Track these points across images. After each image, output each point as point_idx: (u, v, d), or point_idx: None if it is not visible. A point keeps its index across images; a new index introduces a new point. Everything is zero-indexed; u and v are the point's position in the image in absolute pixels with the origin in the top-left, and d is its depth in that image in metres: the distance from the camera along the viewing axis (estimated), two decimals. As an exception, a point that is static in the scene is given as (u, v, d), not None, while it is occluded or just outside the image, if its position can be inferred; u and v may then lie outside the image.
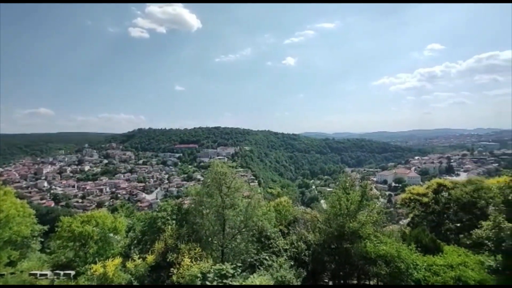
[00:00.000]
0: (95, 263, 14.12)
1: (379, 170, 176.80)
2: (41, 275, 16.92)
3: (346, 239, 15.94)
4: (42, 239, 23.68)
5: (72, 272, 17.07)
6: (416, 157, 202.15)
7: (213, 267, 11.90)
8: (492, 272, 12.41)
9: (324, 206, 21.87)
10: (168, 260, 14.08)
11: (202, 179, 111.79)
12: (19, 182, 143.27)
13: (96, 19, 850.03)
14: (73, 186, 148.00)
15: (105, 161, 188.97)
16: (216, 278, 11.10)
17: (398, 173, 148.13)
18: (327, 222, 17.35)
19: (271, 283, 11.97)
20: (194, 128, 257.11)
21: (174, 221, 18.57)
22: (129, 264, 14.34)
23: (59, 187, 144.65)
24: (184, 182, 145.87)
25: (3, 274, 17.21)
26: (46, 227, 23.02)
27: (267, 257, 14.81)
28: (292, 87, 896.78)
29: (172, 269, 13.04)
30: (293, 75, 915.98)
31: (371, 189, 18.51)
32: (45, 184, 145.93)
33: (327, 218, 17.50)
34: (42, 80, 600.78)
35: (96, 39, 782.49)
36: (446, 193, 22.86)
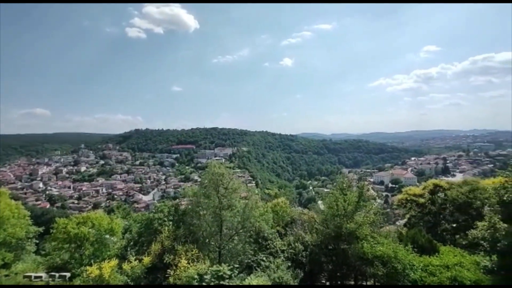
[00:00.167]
0: (91, 265, 13.99)
1: (376, 171, 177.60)
2: (35, 277, 16.72)
3: (343, 240, 15.98)
4: (37, 241, 23.45)
5: (68, 274, 16.90)
6: (413, 158, 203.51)
7: (210, 268, 11.84)
8: (487, 272, 12.49)
9: (322, 207, 21.94)
10: (164, 261, 14.00)
11: (199, 180, 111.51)
12: (14, 183, 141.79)
13: (93, 19, 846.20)
14: (69, 187, 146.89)
15: (102, 162, 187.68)
16: (213, 279, 11.05)
17: (394, 174, 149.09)
18: (324, 223, 17.37)
19: (268, 284, 11.96)
20: (192, 128, 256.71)
21: (171, 222, 18.50)
22: (126, 266, 14.23)
23: (55, 188, 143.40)
24: (181, 183, 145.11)
25: (-3, 276, 17.00)
26: (41, 229, 22.81)
27: (264, 258, 14.81)
28: (290, 88, 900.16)
29: (168, 270, 12.97)
30: (291, 76, 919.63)
31: (368, 190, 18.60)
32: (41, 185, 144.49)
33: (324, 219, 17.52)
34: (38, 80, 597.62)
35: (93, 39, 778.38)
36: (442, 194, 23.03)
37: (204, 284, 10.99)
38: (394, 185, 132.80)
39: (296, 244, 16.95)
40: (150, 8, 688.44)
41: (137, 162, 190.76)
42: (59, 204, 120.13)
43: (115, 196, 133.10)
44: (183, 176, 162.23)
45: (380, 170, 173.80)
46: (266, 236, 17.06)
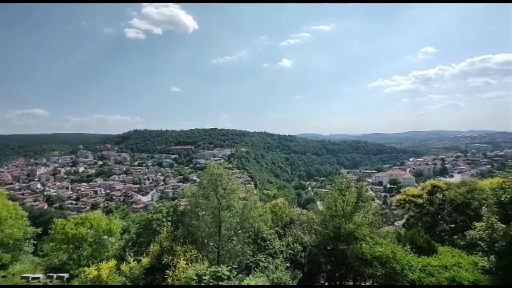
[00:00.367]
0: (89, 266, 13.92)
1: (374, 171, 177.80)
2: (33, 278, 16.64)
3: (342, 240, 15.99)
4: (35, 242, 23.35)
5: (66, 275, 16.83)
6: (411, 159, 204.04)
7: (208, 269, 11.82)
8: (485, 273, 12.54)
9: (320, 207, 21.99)
10: (163, 262, 13.98)
11: (198, 180, 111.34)
12: (11, 183, 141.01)
13: (92, 19, 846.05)
14: (67, 188, 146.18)
15: (100, 162, 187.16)
16: (211, 280, 11.04)
17: (393, 175, 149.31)
18: (323, 224, 17.39)
19: (267, 284, 11.95)
20: (190, 129, 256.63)
21: (169, 223, 18.46)
22: (124, 267, 14.18)
23: (53, 188, 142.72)
24: (180, 184, 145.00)
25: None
26: (39, 230, 22.72)
27: (263, 259, 14.82)
28: (289, 89, 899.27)
29: (167, 271, 12.94)
30: (289, 77, 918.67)
31: (366, 191, 18.62)
32: (39, 185, 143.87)
33: (323, 220, 17.54)
34: (36, 80, 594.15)
35: (91, 40, 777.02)
36: (440, 194, 23.12)
37: (202, 284, 10.97)
38: (392, 186, 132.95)
39: (295, 244, 16.97)
40: (149, 8, 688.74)
41: (136, 163, 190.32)
42: (57, 205, 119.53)
43: (114, 197, 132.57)
44: (181, 176, 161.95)
45: (379, 171, 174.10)
46: (265, 236, 17.07)
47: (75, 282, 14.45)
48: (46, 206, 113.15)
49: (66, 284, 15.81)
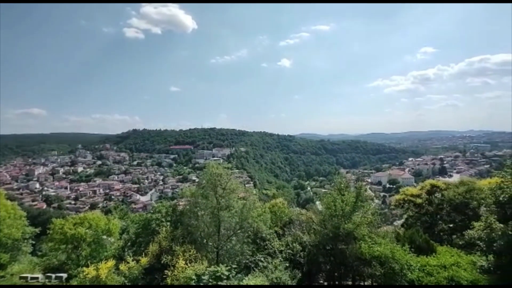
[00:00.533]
0: (88, 265, 13.92)
1: (373, 171, 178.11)
2: (32, 278, 16.60)
3: (341, 240, 16.01)
4: (34, 242, 23.31)
5: (64, 275, 16.79)
6: (410, 159, 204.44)
7: (208, 269, 11.81)
8: (484, 272, 12.58)
9: (319, 207, 22.00)
10: (162, 262, 13.96)
11: (197, 180, 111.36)
12: (10, 183, 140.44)
13: (91, 19, 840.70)
14: (66, 188, 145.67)
15: (99, 162, 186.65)
16: (211, 280, 11.03)
17: (392, 174, 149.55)
18: (322, 223, 17.41)
19: (266, 284, 11.95)
20: (190, 129, 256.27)
21: (168, 223, 18.45)
22: (123, 267, 14.16)
23: (52, 188, 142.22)
24: (179, 184, 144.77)
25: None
26: (37, 229, 22.68)
27: (262, 259, 14.82)
28: (288, 89, 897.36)
29: (166, 271, 12.92)
30: (289, 76, 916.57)
31: (365, 191, 18.66)
32: (37, 185, 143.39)
33: (322, 219, 17.56)
34: (35, 80, 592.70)
35: (90, 39, 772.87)
36: (439, 194, 23.17)
37: (201, 284, 10.97)
38: (391, 186, 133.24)
39: (294, 244, 16.98)
40: (148, 8, 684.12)
41: (135, 163, 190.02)
42: (55, 205, 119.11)
43: (113, 197, 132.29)
44: (181, 176, 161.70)
45: (378, 171, 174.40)
46: (264, 236, 17.07)
47: (74, 282, 14.43)
48: (44, 206, 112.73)
49: (65, 284, 15.78)
